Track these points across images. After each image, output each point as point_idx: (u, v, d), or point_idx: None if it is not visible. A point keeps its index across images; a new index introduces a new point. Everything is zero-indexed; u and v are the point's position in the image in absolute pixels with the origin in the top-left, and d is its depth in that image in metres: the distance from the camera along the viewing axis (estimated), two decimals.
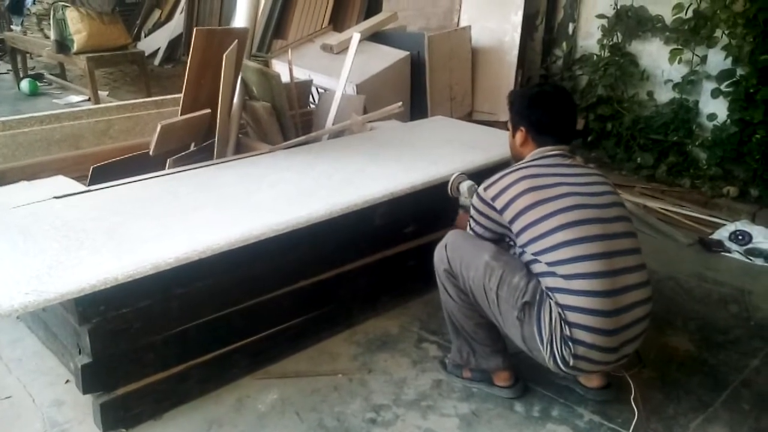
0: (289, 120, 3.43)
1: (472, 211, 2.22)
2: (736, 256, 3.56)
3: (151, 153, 2.94)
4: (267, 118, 3.37)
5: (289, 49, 4.14)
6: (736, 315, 2.96)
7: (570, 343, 2.00)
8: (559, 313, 2.02)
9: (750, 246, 3.60)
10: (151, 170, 2.87)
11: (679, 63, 4.71)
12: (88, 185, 2.79)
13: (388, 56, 4.74)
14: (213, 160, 3.06)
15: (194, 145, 3.19)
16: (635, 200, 4.22)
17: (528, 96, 2.28)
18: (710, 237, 3.76)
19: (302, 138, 3.38)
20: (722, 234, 3.75)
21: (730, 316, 2.96)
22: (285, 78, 3.66)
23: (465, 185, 2.54)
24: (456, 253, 2.26)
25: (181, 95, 3.10)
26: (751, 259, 3.51)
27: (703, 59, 4.64)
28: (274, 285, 2.50)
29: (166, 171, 2.88)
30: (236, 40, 3.07)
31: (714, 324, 2.88)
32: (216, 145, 3.11)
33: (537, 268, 2.07)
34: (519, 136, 2.25)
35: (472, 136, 3.47)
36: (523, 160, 2.22)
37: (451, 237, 2.33)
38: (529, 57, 5.64)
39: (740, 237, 3.65)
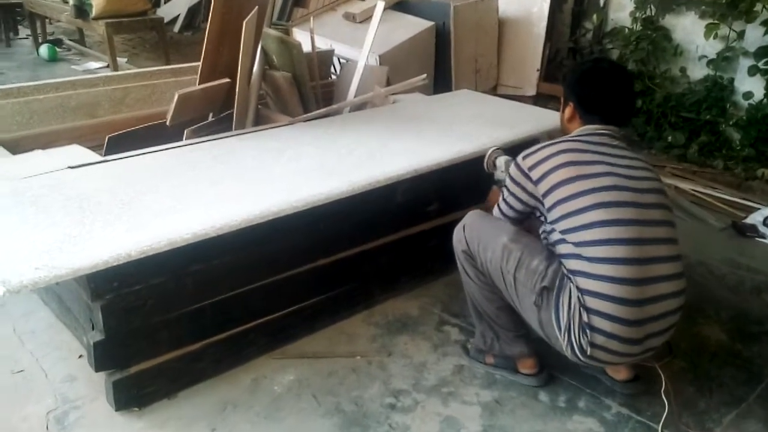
0: (310, 91, 3.32)
1: (507, 181, 2.14)
2: None
3: (168, 123, 2.85)
4: (287, 89, 3.27)
5: (311, 17, 4.00)
6: None
7: (588, 331, 1.91)
8: (579, 298, 1.93)
9: None
10: (168, 140, 2.78)
11: (714, 38, 4.53)
12: (104, 155, 2.72)
13: (413, 26, 4.59)
14: (231, 132, 2.96)
15: (212, 115, 3.10)
16: (666, 181, 4.07)
17: (580, 71, 2.20)
18: (744, 221, 3.62)
19: (323, 110, 3.27)
20: (756, 218, 3.61)
21: (765, 305, 2.84)
22: (306, 47, 3.55)
23: (501, 159, 2.44)
24: (474, 233, 2.19)
25: (200, 63, 3.00)
26: None
27: (740, 35, 4.45)
28: (293, 263, 2.42)
29: (184, 142, 2.79)
30: (256, 7, 2.96)
31: (748, 313, 2.77)
32: (234, 116, 3.01)
33: (562, 248, 1.97)
34: (567, 110, 2.16)
35: (498, 111, 3.34)
36: (568, 135, 2.14)
37: (469, 218, 2.25)
38: (558, 29, 5.46)
39: None
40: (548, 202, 1.98)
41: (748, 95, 4.37)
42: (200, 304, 2.17)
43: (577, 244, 1.92)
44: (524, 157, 2.06)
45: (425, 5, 4.94)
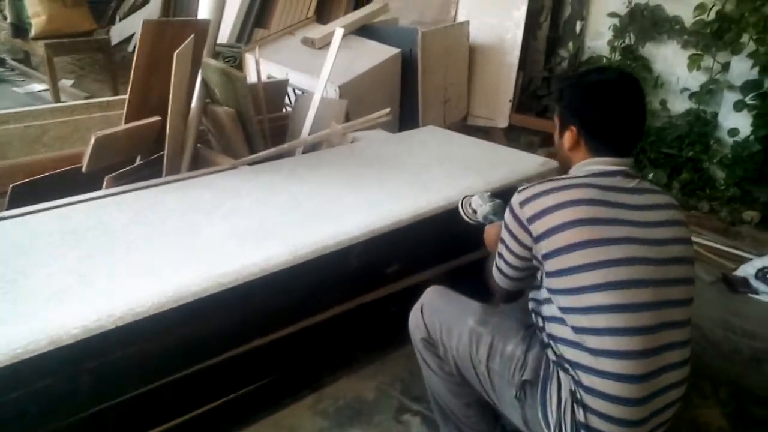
0: (256, 128, 2.94)
1: (502, 231, 1.68)
2: (765, 298, 3.11)
3: (84, 169, 2.44)
4: (230, 126, 2.88)
5: (256, 47, 3.62)
6: None
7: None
8: (573, 393, 1.56)
9: None
10: (86, 189, 2.39)
11: (697, 70, 4.26)
12: (6, 208, 2.30)
13: (377, 53, 4.24)
14: (160, 180, 2.56)
15: (140, 158, 2.70)
16: None
17: (584, 85, 1.71)
18: (734, 274, 3.31)
19: (272, 151, 2.89)
20: (747, 271, 3.30)
21: (766, 380, 2.51)
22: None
23: (477, 200, 2.09)
24: (434, 316, 1.83)
25: (126, 99, 2.60)
26: None
27: (725, 66, 4.18)
28: (220, 347, 2.01)
29: (101, 193, 2.39)
30: (192, 35, 2.58)
31: (748, 391, 2.43)
32: (165, 159, 2.61)
33: (558, 329, 1.58)
34: (568, 137, 1.68)
35: (468, 153, 2.98)
36: (574, 172, 1.69)
37: (428, 296, 1.89)
38: (532, 57, 5.15)
39: None
40: (549, 266, 1.56)
41: (733, 132, 4.09)
42: (100, 407, 1.75)
43: (578, 330, 1.53)
44: (522, 203, 1.59)
45: (390, 31, 4.60)
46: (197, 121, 2.86)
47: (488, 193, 2.09)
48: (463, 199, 2.13)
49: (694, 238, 3.55)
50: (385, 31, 4.57)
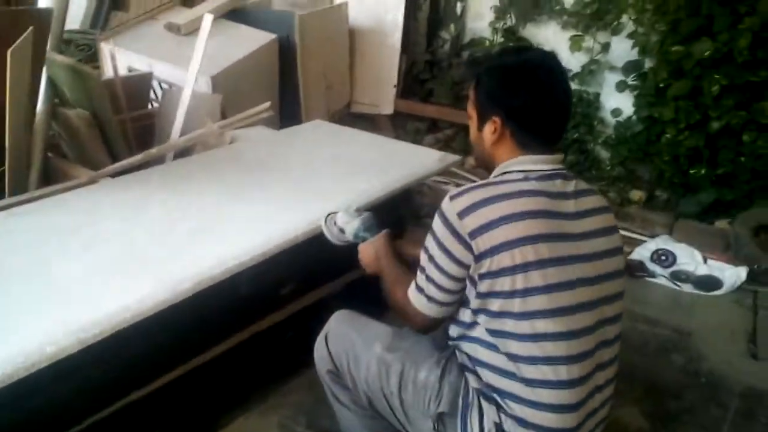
0: (117, 132, 2.55)
1: (431, 248, 1.40)
2: (662, 281, 3.13)
3: None
4: (86, 132, 2.48)
5: (110, 39, 3.18)
6: (683, 369, 2.50)
7: None
8: (498, 425, 1.39)
9: (675, 268, 3.18)
10: None
11: (579, 51, 4.23)
12: None
13: (251, 40, 3.88)
14: (4, 200, 2.14)
15: None
16: None
17: (505, 68, 1.45)
18: (630, 257, 3.30)
19: (138, 158, 2.52)
20: (643, 254, 3.31)
21: (676, 371, 2.49)
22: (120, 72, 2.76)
23: (340, 216, 1.83)
24: (340, 345, 1.62)
25: None
26: (678, 285, 3.09)
27: (605, 47, 4.18)
28: (89, 406, 1.68)
29: None
30: (30, 28, 2.15)
31: (661, 385, 2.39)
32: (7, 175, 2.19)
33: (486, 356, 1.40)
34: (490, 130, 1.44)
35: (361, 151, 2.73)
36: (503, 171, 1.43)
37: (332, 322, 1.68)
38: (413, 40, 4.96)
39: (663, 258, 3.23)
40: (486, 287, 1.34)
41: (616, 112, 4.11)
42: None
43: (514, 358, 1.35)
44: (462, 214, 1.34)
45: (265, 14, 4.24)
46: (45, 129, 2.44)
47: (354, 208, 1.86)
48: (327, 217, 1.87)
49: None
50: (258, 14, 4.21)
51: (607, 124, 4.24)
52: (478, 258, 1.33)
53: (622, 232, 3.41)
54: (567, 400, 1.36)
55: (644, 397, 2.31)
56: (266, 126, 3.14)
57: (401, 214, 2.84)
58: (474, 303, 1.39)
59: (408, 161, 2.61)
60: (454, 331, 1.49)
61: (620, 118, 4.11)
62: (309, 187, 2.31)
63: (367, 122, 4.87)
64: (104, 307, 1.56)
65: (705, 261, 3.22)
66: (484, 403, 1.42)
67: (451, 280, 1.39)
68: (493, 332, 1.38)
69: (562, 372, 1.35)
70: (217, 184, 2.30)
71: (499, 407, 1.40)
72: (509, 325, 1.34)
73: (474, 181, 1.50)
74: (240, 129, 2.93)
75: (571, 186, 1.43)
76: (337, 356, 1.62)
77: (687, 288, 3.07)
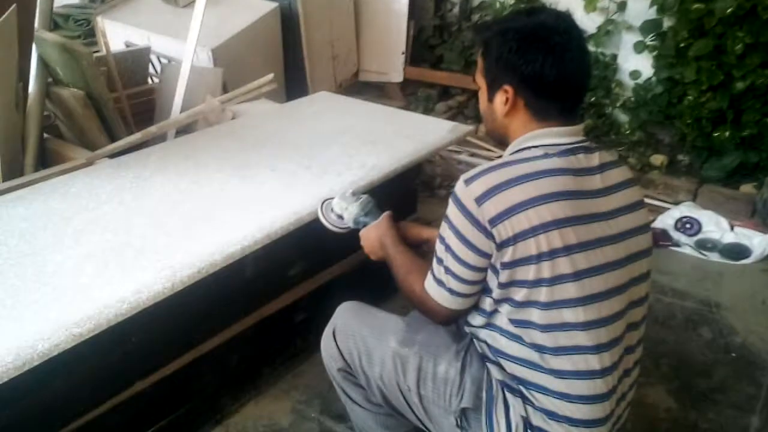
0: (113, 112, 2.44)
1: (447, 237, 1.28)
2: (687, 250, 3.00)
3: None
4: (81, 112, 2.37)
5: (98, 17, 3.04)
6: (712, 343, 2.38)
7: None
8: (525, 418, 1.30)
9: (700, 237, 3.05)
10: None
11: (594, 11, 4.05)
12: None
13: (252, 9, 3.74)
14: None
15: None
16: None
17: (517, 31, 1.28)
18: (654, 226, 3.17)
19: (137, 137, 2.42)
20: (666, 222, 3.18)
21: (704, 345, 2.38)
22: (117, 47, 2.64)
23: (337, 201, 1.73)
24: (350, 341, 1.51)
25: None
26: (704, 254, 2.96)
27: (621, 6, 3.99)
28: (93, 399, 1.61)
29: None
30: (14, 5, 2.03)
31: (690, 361, 2.29)
32: (0, 162, 2.09)
33: (510, 347, 1.29)
34: (501, 100, 1.30)
35: (369, 124, 2.60)
36: (521, 147, 1.29)
37: (339, 316, 1.57)
38: (420, 3, 4.79)
39: (688, 225, 3.09)
40: (508, 276, 1.22)
41: (635, 74, 3.94)
42: None
43: (541, 349, 1.25)
44: (480, 199, 1.21)
45: None
46: (39, 110, 2.33)
47: (350, 191, 1.74)
48: (323, 204, 1.76)
49: None
50: None
51: (625, 87, 4.07)
52: (501, 246, 1.20)
53: (649, 201, 3.31)
54: (599, 390, 1.27)
55: (671, 375, 2.21)
56: (270, 99, 3.03)
57: (413, 188, 2.73)
58: (496, 293, 1.27)
59: (418, 133, 2.48)
60: (473, 318, 1.38)
61: (639, 81, 3.95)
62: (315, 163, 2.19)
63: (377, 91, 4.73)
64: (99, 300, 1.47)
65: (732, 228, 3.08)
66: (509, 396, 1.32)
67: (472, 270, 1.27)
68: (517, 322, 1.27)
69: (593, 361, 1.25)
70: (219, 162, 2.20)
71: (525, 400, 1.30)
72: (535, 315, 1.23)
73: (488, 151, 1.37)
74: (243, 103, 2.81)
75: (595, 159, 1.30)
76: (348, 353, 1.52)
77: (714, 257, 2.94)
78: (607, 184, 1.29)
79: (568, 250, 1.20)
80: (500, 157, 1.36)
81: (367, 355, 1.49)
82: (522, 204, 1.19)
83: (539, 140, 1.28)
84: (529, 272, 1.20)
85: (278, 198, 1.95)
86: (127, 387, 1.67)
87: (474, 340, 1.42)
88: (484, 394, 1.36)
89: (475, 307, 1.36)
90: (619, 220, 1.29)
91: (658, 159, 3.78)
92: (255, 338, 2.00)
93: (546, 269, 1.20)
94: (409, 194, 2.67)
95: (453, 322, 1.42)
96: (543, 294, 1.21)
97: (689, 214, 3.15)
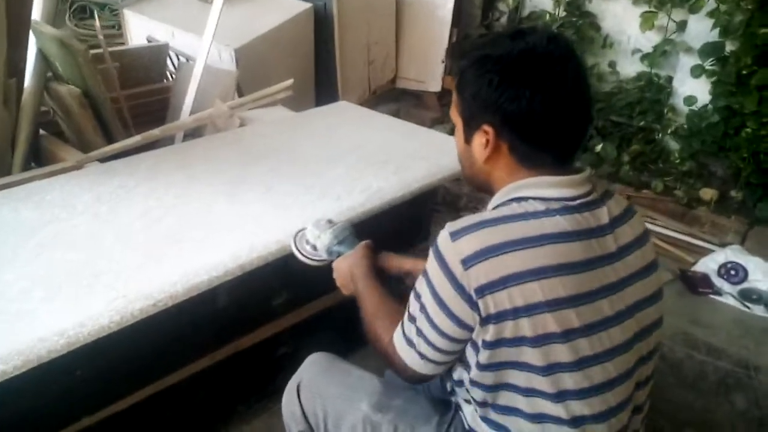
0: (112, 113, 2.31)
1: (424, 294, 1.07)
2: (729, 300, 2.72)
3: None
4: (78, 111, 2.25)
5: (124, 9, 2.93)
6: (745, 414, 2.11)
7: None
8: None
9: (745, 286, 2.76)
10: None
11: (650, 29, 3.76)
12: None
13: (283, 9, 3.58)
14: None
15: None
16: None
17: (500, 59, 1.04)
18: (694, 269, 2.89)
19: (135, 140, 2.28)
20: (709, 266, 2.89)
21: (736, 415, 2.11)
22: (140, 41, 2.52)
23: (310, 230, 1.53)
24: (316, 401, 1.33)
25: None
26: (748, 307, 2.67)
27: (681, 26, 3.69)
28: None
29: None
30: None
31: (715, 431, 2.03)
32: None
33: (505, 420, 1.08)
34: (480, 142, 1.08)
35: (384, 140, 2.40)
36: (509, 199, 1.07)
37: (306, 370, 1.39)
38: (467, 10, 4.56)
39: (732, 272, 2.80)
40: (487, 357, 1.02)
41: (690, 100, 3.65)
42: None
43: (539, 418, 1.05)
44: (467, 261, 0.99)
45: None
46: (35, 106, 2.21)
47: (327, 219, 1.54)
48: (296, 236, 1.57)
49: (647, 225, 3.14)
50: None
51: (679, 113, 3.78)
52: (485, 321, 0.99)
53: (687, 238, 3.03)
54: None
55: None
56: (298, 104, 2.86)
57: (424, 213, 2.52)
58: (474, 373, 1.07)
59: (436, 154, 2.27)
60: (458, 374, 1.17)
61: (694, 107, 3.65)
62: (316, 183, 2.01)
63: (414, 99, 4.53)
64: (35, 332, 1.32)
65: None
66: None
67: (448, 340, 1.06)
68: (499, 408, 1.07)
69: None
70: (212, 175, 2.04)
71: None
72: (521, 402, 1.03)
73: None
74: (256, 110, 2.65)
75: (604, 215, 1.06)
76: (312, 414, 1.34)
77: (758, 310, 2.65)
78: (620, 244, 1.07)
79: (570, 334, 0.99)
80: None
81: (334, 419, 1.30)
82: (518, 276, 0.97)
83: (535, 191, 1.04)
84: (520, 355, 1.00)
85: (265, 222, 1.78)
86: (71, 423, 1.52)
87: (459, 410, 1.21)
88: None
89: (462, 363, 1.15)
90: (632, 289, 1.07)
91: (707, 193, 3.47)
92: (227, 373, 1.84)
93: (540, 356, 0.98)
94: (419, 220, 2.47)
95: (421, 383, 1.22)
96: (534, 381, 1.01)
97: (735, 259, 2.85)
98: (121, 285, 1.48)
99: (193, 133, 2.58)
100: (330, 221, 1.52)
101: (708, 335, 2.48)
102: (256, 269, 1.64)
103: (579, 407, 1.01)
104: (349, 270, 1.38)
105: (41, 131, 2.32)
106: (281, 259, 1.69)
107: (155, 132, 2.35)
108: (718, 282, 2.79)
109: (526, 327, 0.97)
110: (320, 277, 1.91)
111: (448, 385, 1.22)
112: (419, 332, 1.09)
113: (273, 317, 1.92)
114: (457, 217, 1.06)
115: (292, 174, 2.08)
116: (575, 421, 1.01)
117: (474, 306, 0.99)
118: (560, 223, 1.01)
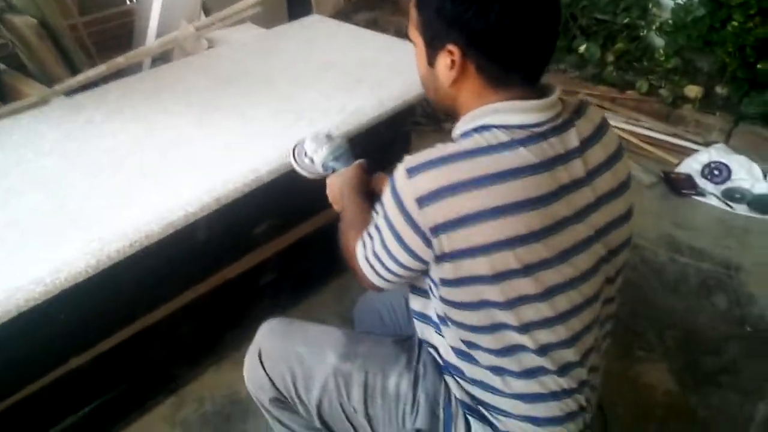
0: (72, 41, 2.20)
1: (380, 222, 1.05)
2: (713, 201, 2.72)
3: None
4: (36, 43, 2.15)
5: None
6: (726, 314, 2.16)
7: None
8: None
9: (729, 185, 2.77)
10: None
11: None
12: None
13: None
14: None
15: None
16: None
17: None
18: (677, 171, 2.89)
19: (101, 69, 2.20)
20: (693, 166, 2.88)
21: (717, 316, 2.16)
22: None
23: (308, 143, 1.50)
24: (281, 365, 1.28)
25: None
26: (731, 206, 2.68)
27: None
28: (17, 381, 1.48)
29: None
30: None
31: (699, 335, 2.08)
32: None
33: (465, 367, 1.10)
34: (444, 62, 1.00)
35: (362, 57, 2.31)
36: (473, 126, 1.00)
37: (263, 338, 1.34)
38: None
39: (716, 172, 2.80)
40: (451, 295, 1.01)
41: None
42: None
43: (496, 371, 1.05)
44: (421, 200, 0.94)
45: None
46: None
47: (324, 133, 1.51)
48: (295, 147, 1.54)
49: (631, 127, 3.11)
50: None
51: (664, 7, 3.65)
52: (440, 259, 0.97)
53: (672, 139, 3.01)
54: (557, 412, 1.08)
55: (676, 351, 2.01)
56: (269, 21, 2.74)
57: (404, 131, 2.48)
58: (438, 306, 1.06)
59: (415, 69, 2.20)
60: (416, 304, 1.17)
61: (680, 1, 3.52)
62: (290, 107, 1.96)
63: (391, 6, 4.36)
64: (11, 282, 1.31)
65: (765, 177, 2.78)
66: (471, 419, 1.14)
67: (401, 267, 1.05)
68: (467, 344, 1.07)
69: (552, 383, 1.05)
70: (182, 105, 1.97)
71: (491, 426, 1.12)
72: (484, 340, 1.03)
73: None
74: (224, 29, 2.54)
75: (572, 138, 1.00)
76: (279, 380, 1.29)
77: (741, 209, 2.67)
78: (590, 167, 1.02)
79: (534, 268, 0.96)
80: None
81: (303, 378, 1.26)
82: (477, 215, 0.93)
83: (501, 117, 0.98)
84: (475, 293, 0.98)
85: (238, 151, 1.74)
86: (59, 365, 1.54)
87: (425, 344, 1.22)
88: (441, 412, 1.17)
89: (419, 291, 1.15)
90: (601, 212, 1.03)
91: (693, 90, 3.41)
92: (214, 304, 1.85)
93: (501, 291, 0.96)
94: (399, 136, 2.42)
95: (380, 291, 1.20)
96: (491, 316, 0.99)
97: (719, 158, 2.85)
98: (95, 227, 1.46)
99: (162, 57, 2.48)
100: (328, 135, 1.50)
101: (691, 237, 2.50)
102: (233, 201, 1.62)
103: (545, 336, 1.01)
104: (340, 188, 1.37)
105: (1, 66, 2.23)
106: (258, 188, 1.66)
107: (120, 60, 2.26)
108: (702, 182, 2.79)
109: (484, 265, 0.94)
110: (300, 202, 1.91)
111: (413, 316, 1.22)
112: (374, 254, 1.08)
113: (256, 246, 1.91)
114: (440, 129, 1.02)
115: (264, 99, 2.02)
116: (542, 349, 1.01)
117: (428, 243, 0.97)
118: (523, 156, 0.96)
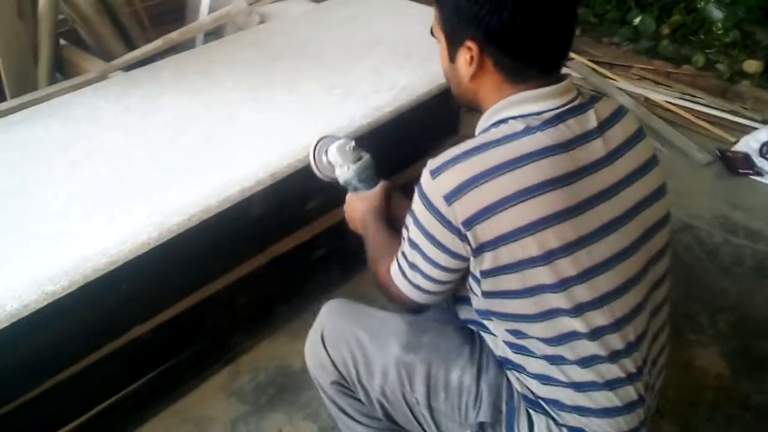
0: (128, 14, 2.24)
1: (412, 230, 1.06)
2: None
3: None
4: (95, 19, 2.20)
5: None
6: None
7: None
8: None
9: None
10: None
11: None
12: None
13: None
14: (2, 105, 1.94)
15: None
16: (633, 89, 3.20)
17: None
18: (734, 150, 2.81)
19: (156, 44, 2.24)
20: (750, 145, 2.80)
21: None
22: None
23: (333, 150, 1.43)
24: (343, 348, 1.28)
25: None
26: None
27: None
28: (83, 349, 1.54)
29: None
30: None
31: (753, 318, 2.04)
32: (3, 75, 1.97)
33: (519, 359, 1.11)
34: (465, 60, 1.03)
35: (414, 29, 2.29)
36: (495, 119, 1.03)
37: (326, 318, 1.34)
38: None
39: None
40: (489, 285, 1.02)
41: None
42: None
43: (553, 360, 1.05)
44: (449, 197, 0.97)
45: None
46: (52, 15, 2.16)
47: (352, 144, 1.43)
48: (318, 143, 1.47)
49: (686, 103, 3.03)
50: None
51: None
52: (479, 250, 0.98)
53: (728, 116, 2.93)
54: (618, 401, 1.07)
55: (728, 335, 1.97)
56: None
57: (454, 108, 2.46)
58: (480, 302, 1.07)
59: None
60: (463, 313, 1.20)
61: None
62: (341, 82, 1.97)
63: None
64: (78, 252, 1.36)
65: None
66: (532, 413, 1.14)
67: (442, 271, 1.06)
68: (514, 333, 1.07)
69: (605, 372, 1.05)
70: (235, 80, 2.00)
71: (551, 419, 1.12)
72: (533, 328, 1.03)
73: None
74: (276, 3, 2.55)
75: (591, 119, 1.02)
76: (341, 363, 1.29)
77: None
78: (611, 147, 1.03)
79: (568, 248, 0.97)
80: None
81: (365, 364, 1.26)
82: (502, 201, 0.95)
83: (517, 109, 1.01)
84: (518, 281, 0.99)
85: (292, 127, 1.77)
86: (122, 333, 1.59)
87: (482, 338, 1.23)
88: (504, 406, 1.16)
89: (464, 300, 1.16)
90: (629, 191, 1.04)
91: (752, 65, 3.30)
92: (268, 277, 1.88)
93: (535, 276, 0.97)
94: (449, 113, 2.41)
95: (419, 312, 1.22)
96: (539, 304, 1.00)
97: None
98: (156, 200, 1.50)
99: (214, 32, 2.51)
100: (355, 149, 1.42)
101: (747, 218, 2.44)
102: (287, 176, 1.65)
103: (596, 318, 1.01)
104: (362, 213, 1.36)
105: (62, 41, 2.29)
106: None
107: (174, 35, 2.30)
108: (760, 162, 2.71)
109: (518, 250, 0.96)
110: None
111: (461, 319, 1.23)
112: (413, 266, 1.09)
113: (307, 222, 1.94)
114: None
115: (314, 74, 2.03)
116: (594, 333, 1.01)
117: (464, 238, 0.98)
118: (541, 139, 0.97)
